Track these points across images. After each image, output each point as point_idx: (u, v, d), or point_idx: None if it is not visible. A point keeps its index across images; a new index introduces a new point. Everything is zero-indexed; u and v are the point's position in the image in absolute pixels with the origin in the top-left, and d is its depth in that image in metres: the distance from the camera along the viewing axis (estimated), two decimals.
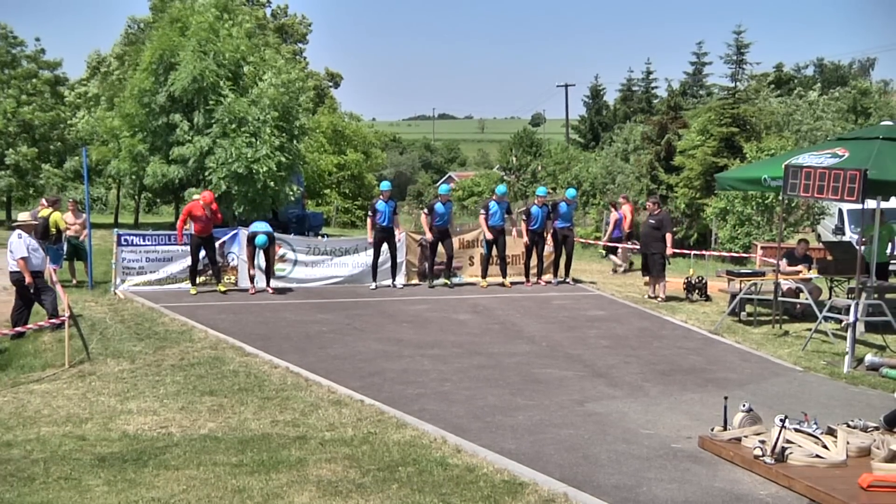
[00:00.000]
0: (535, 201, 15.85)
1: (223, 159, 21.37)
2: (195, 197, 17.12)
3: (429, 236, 15.34)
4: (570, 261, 16.43)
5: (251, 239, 14.38)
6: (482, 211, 15.79)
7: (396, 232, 15.39)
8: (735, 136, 26.43)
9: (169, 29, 23.37)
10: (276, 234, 14.95)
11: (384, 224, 15.02)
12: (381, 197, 15.29)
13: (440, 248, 15.45)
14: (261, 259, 14.59)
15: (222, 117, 21.69)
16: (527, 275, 16.13)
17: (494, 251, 15.63)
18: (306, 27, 51.61)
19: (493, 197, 15.92)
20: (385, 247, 15.23)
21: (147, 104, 22.69)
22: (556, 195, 35.54)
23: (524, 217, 15.85)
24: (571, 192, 17.14)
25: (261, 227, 14.62)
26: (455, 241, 15.82)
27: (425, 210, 16.00)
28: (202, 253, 14.17)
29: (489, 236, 15.43)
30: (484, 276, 15.83)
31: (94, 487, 5.87)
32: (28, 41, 31.47)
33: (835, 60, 70.33)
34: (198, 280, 14.41)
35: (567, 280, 16.29)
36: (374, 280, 15.29)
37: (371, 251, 15.27)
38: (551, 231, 16.00)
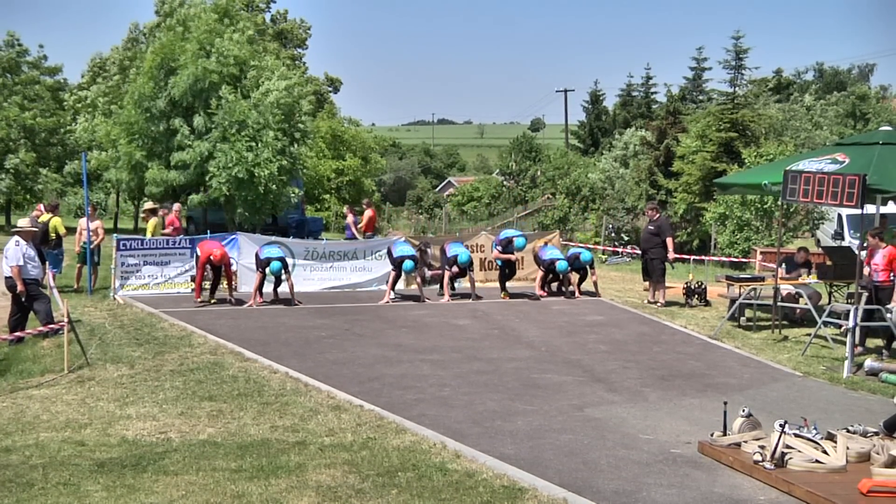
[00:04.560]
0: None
1: (224, 163, 21.39)
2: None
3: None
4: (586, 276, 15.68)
5: (264, 265, 13.68)
6: (498, 248, 15.41)
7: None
8: (734, 141, 26.48)
9: (171, 34, 23.46)
10: (275, 237, 14.83)
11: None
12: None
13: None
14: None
15: (223, 120, 21.70)
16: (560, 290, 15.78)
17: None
18: (305, 32, 51.76)
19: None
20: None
21: (147, 109, 22.72)
22: (555, 201, 35.59)
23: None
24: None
25: (274, 252, 13.93)
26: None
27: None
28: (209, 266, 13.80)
29: (500, 255, 15.37)
30: (502, 288, 15.53)
31: (92, 493, 5.87)
32: (31, 47, 31.58)
33: (834, 66, 70.53)
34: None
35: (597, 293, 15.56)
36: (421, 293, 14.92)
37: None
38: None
